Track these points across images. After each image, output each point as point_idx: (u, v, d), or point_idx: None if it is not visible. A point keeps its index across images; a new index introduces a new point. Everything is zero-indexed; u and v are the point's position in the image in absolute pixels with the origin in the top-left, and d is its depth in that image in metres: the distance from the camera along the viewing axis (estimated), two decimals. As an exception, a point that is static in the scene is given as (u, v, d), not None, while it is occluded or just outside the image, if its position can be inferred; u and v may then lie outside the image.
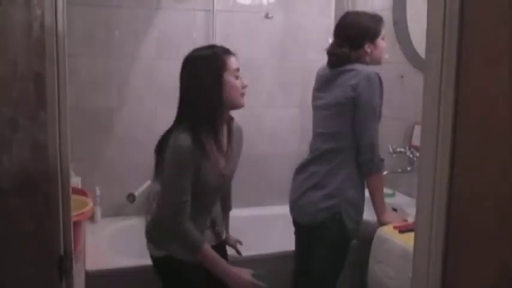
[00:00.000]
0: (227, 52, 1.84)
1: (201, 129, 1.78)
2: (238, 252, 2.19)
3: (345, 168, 2.04)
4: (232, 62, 1.83)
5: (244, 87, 1.85)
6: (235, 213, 2.49)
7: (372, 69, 2.01)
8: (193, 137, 1.76)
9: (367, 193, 2.10)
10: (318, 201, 2.05)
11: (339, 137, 2.04)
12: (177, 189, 1.77)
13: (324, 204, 2.03)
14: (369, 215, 2.20)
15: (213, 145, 1.82)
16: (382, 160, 2.06)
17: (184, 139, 1.75)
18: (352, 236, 2.10)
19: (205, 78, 1.78)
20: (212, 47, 1.89)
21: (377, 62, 2.12)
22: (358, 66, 2.02)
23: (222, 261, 1.81)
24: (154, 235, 1.94)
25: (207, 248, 1.79)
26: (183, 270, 1.88)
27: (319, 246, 2.08)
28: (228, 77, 1.80)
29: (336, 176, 2.03)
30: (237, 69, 1.84)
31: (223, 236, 2.12)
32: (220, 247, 2.03)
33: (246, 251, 2.31)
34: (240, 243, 2.21)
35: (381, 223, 2.08)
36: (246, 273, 1.78)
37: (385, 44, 2.15)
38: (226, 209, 2.25)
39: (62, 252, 1.14)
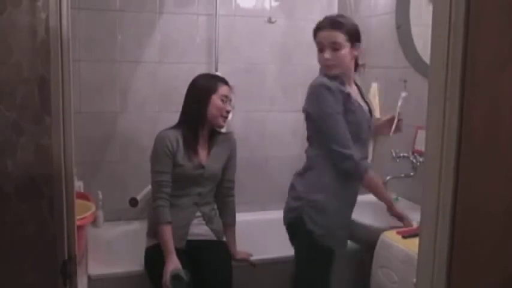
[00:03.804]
0: (222, 81, 2.33)
1: (185, 129, 2.27)
2: (251, 264, 2.42)
3: (317, 171, 2.01)
4: (223, 89, 2.29)
5: (227, 111, 2.29)
6: (236, 217, 2.49)
7: (320, 79, 1.97)
8: (178, 134, 2.25)
9: (359, 205, 2.09)
10: (289, 202, 2.09)
11: (314, 144, 2.05)
12: (155, 170, 2.24)
13: (292, 204, 2.06)
14: (371, 219, 2.19)
15: (192, 142, 2.27)
16: (363, 159, 1.99)
17: (165, 133, 2.26)
18: (326, 245, 1.99)
19: (198, 95, 2.28)
20: (212, 75, 2.47)
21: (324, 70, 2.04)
22: (317, 77, 2.00)
23: (170, 247, 2.14)
24: (149, 225, 2.33)
25: (167, 228, 2.17)
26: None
27: (295, 250, 2.10)
28: (215, 98, 2.26)
29: (305, 179, 2.04)
30: (226, 96, 2.28)
31: (223, 238, 2.39)
32: (220, 245, 2.34)
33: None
34: (251, 255, 2.45)
35: (395, 215, 2.07)
36: (169, 269, 2.07)
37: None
38: (225, 219, 2.43)
39: (66, 257, 1.13)
